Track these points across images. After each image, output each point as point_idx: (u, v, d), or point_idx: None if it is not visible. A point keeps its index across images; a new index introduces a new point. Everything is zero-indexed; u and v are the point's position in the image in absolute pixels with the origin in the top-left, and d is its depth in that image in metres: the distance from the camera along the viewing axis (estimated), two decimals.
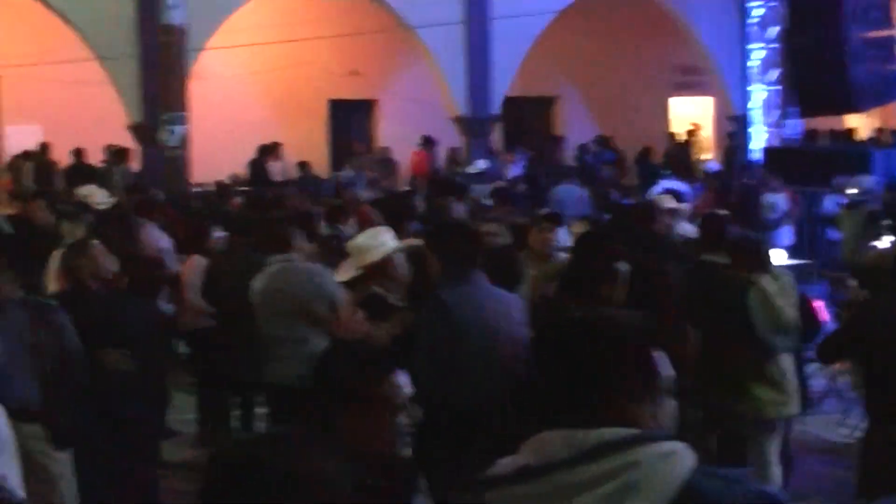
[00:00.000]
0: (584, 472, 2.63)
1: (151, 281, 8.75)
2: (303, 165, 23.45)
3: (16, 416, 7.33)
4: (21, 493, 4.94)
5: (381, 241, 8.42)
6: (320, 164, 25.64)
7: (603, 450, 2.63)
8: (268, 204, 14.54)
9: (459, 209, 11.73)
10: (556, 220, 10.78)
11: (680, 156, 26.46)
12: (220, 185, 19.39)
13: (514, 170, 23.42)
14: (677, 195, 12.45)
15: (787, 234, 17.59)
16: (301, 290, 9.17)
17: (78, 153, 22.12)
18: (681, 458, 2.63)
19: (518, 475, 2.73)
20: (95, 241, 8.86)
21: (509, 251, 9.11)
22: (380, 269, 8.20)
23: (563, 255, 9.59)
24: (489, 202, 15.49)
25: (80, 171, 21.20)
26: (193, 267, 11.57)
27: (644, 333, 2.84)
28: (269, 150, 23.56)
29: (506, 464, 2.79)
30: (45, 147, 22.79)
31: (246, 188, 20.80)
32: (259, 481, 2.67)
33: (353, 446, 3.62)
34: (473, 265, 7.05)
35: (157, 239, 12.91)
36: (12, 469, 4.94)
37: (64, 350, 7.53)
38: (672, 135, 28.64)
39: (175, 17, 20.06)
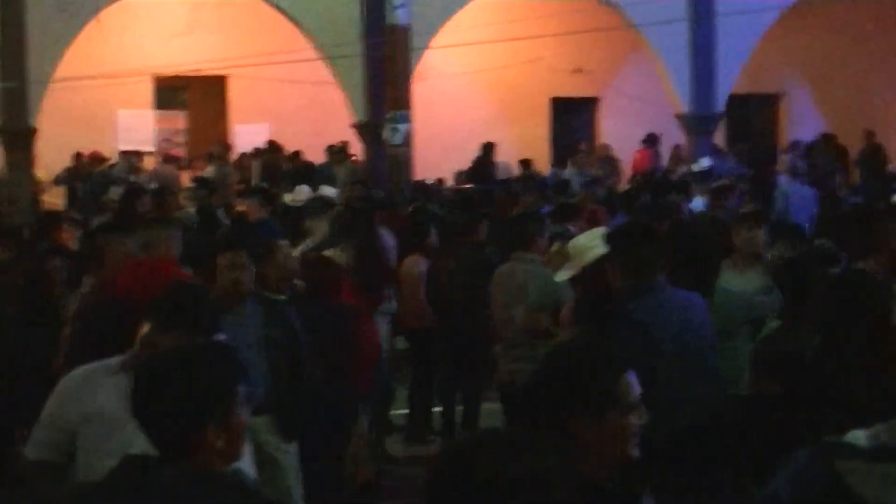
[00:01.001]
0: None
1: (381, 277, 8.75)
2: (525, 164, 23.41)
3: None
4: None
5: (598, 242, 8.31)
6: (542, 162, 25.59)
7: None
8: (478, 202, 14.59)
9: (686, 207, 11.52)
10: (759, 217, 10.44)
11: None
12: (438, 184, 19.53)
13: (737, 168, 22.98)
14: None
15: None
16: (535, 289, 9.15)
17: (296, 153, 22.56)
18: None
19: (878, 452, 2.65)
20: (283, 242, 8.97)
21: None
22: (594, 271, 8.10)
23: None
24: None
25: (306, 169, 21.57)
26: (414, 266, 11.64)
27: None
28: (492, 149, 23.60)
29: (858, 437, 2.71)
30: (272, 145, 23.28)
31: (468, 186, 20.89)
32: (478, 482, 2.68)
33: (586, 447, 3.56)
34: (657, 271, 6.74)
35: (383, 237, 13.04)
36: (245, 460, 4.97)
37: (294, 344, 7.63)
38: None
39: (400, 16, 20.22)
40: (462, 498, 2.70)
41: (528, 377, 8.67)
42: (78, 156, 22.23)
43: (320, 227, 11.49)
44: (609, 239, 7.08)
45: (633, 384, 3.67)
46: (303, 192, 15.02)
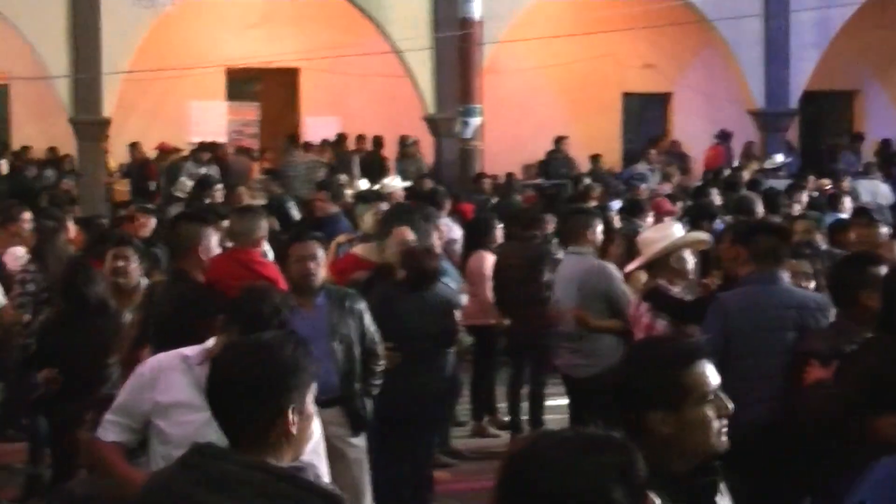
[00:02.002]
0: None
1: (426, 273, 8.73)
2: (595, 159, 23.32)
3: (316, 400, 7.48)
4: (328, 479, 4.97)
5: (665, 234, 8.37)
6: (613, 157, 25.48)
7: None
8: (562, 197, 14.57)
9: (760, 204, 11.44)
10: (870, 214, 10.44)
11: None
12: (509, 178, 19.48)
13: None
14: None
15: None
16: (584, 283, 9.18)
17: (377, 142, 22.58)
18: None
19: None
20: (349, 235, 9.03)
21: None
22: (663, 263, 8.13)
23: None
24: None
25: (375, 161, 21.63)
26: (481, 261, 11.64)
27: None
28: (562, 143, 23.54)
29: None
30: (341, 138, 23.31)
31: (538, 181, 20.85)
32: (544, 481, 2.73)
33: (664, 443, 3.53)
34: (778, 264, 6.82)
35: (449, 230, 13.06)
36: (319, 456, 4.99)
37: (363, 337, 7.64)
38: None
39: (471, 10, 20.23)
40: (526, 499, 2.73)
41: (583, 371, 8.71)
42: (133, 146, 22.40)
43: (367, 220, 11.53)
44: (737, 232, 7.19)
45: (709, 374, 3.60)
46: (363, 185, 15.05)
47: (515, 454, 2.86)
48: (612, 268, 9.35)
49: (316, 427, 5.00)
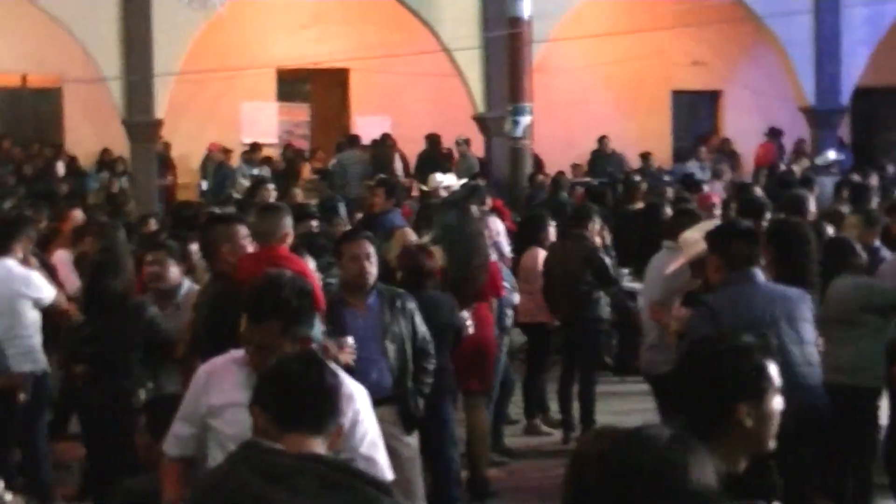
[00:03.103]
0: None
1: (423, 273, 8.81)
2: (645, 157, 23.28)
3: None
4: (390, 474, 5.04)
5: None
6: (663, 155, 25.42)
7: None
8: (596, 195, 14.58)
9: (812, 202, 11.36)
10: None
11: None
12: (558, 176, 19.45)
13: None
14: None
15: None
16: (657, 280, 9.21)
17: (433, 140, 22.58)
18: None
19: None
20: (404, 232, 9.06)
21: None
22: (704, 263, 8.13)
23: None
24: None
25: (430, 159, 21.64)
26: (535, 258, 11.66)
27: None
28: (604, 142, 23.50)
29: None
30: (385, 137, 23.29)
31: (586, 180, 20.83)
32: (623, 482, 2.74)
33: (744, 436, 3.58)
34: (752, 265, 6.84)
35: (493, 225, 13.10)
36: (378, 449, 5.04)
37: (415, 336, 7.68)
38: None
39: (521, 9, 20.21)
40: (597, 496, 2.74)
41: (663, 368, 8.70)
42: (166, 146, 22.56)
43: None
44: (709, 236, 7.28)
45: (776, 375, 3.69)
46: (436, 181, 15.06)
47: (584, 453, 2.87)
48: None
49: (373, 422, 5.05)
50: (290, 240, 8.13)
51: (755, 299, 6.72)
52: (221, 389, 5.05)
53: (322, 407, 3.77)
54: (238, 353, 5.14)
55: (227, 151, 22.57)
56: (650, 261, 9.57)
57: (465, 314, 8.95)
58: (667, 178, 20.78)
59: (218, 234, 7.62)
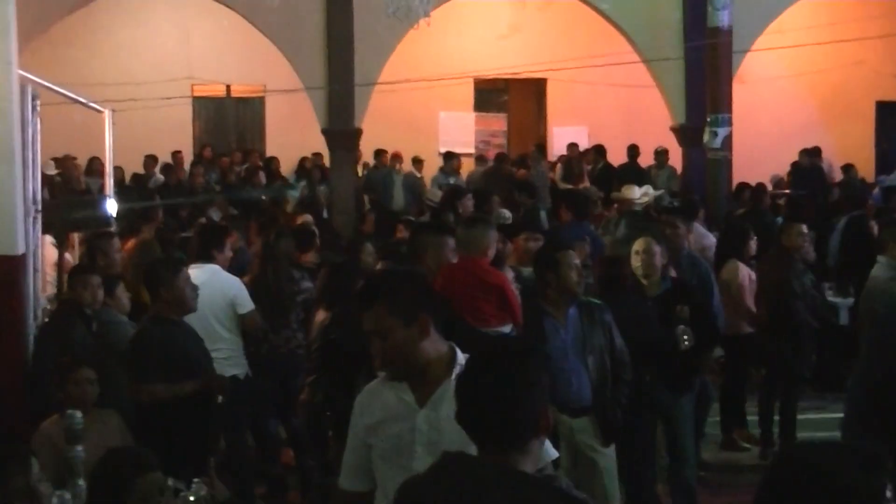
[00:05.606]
0: None
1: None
2: (847, 169, 22.78)
3: (570, 410, 7.56)
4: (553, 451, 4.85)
5: None
6: (866, 167, 24.84)
7: None
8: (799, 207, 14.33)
9: None
10: None
11: None
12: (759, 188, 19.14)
13: None
14: None
15: None
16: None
17: (632, 152, 22.45)
18: None
19: None
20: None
21: None
22: None
23: None
24: None
25: (631, 170, 21.49)
26: (733, 271, 11.50)
27: None
28: (814, 153, 23.01)
29: None
30: (572, 148, 23.22)
31: (786, 191, 20.47)
32: (821, 492, 2.71)
33: None
34: None
35: (702, 236, 13.00)
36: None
37: (612, 347, 7.67)
38: None
39: (722, 19, 19.96)
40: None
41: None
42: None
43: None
44: None
45: None
46: (633, 191, 14.99)
47: (784, 464, 2.85)
48: None
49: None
50: (492, 252, 8.21)
51: None
52: (373, 409, 4.64)
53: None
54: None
55: (418, 162, 22.87)
56: (870, 275, 9.48)
57: (682, 327, 8.80)
58: (875, 191, 20.32)
59: (424, 242, 7.75)
